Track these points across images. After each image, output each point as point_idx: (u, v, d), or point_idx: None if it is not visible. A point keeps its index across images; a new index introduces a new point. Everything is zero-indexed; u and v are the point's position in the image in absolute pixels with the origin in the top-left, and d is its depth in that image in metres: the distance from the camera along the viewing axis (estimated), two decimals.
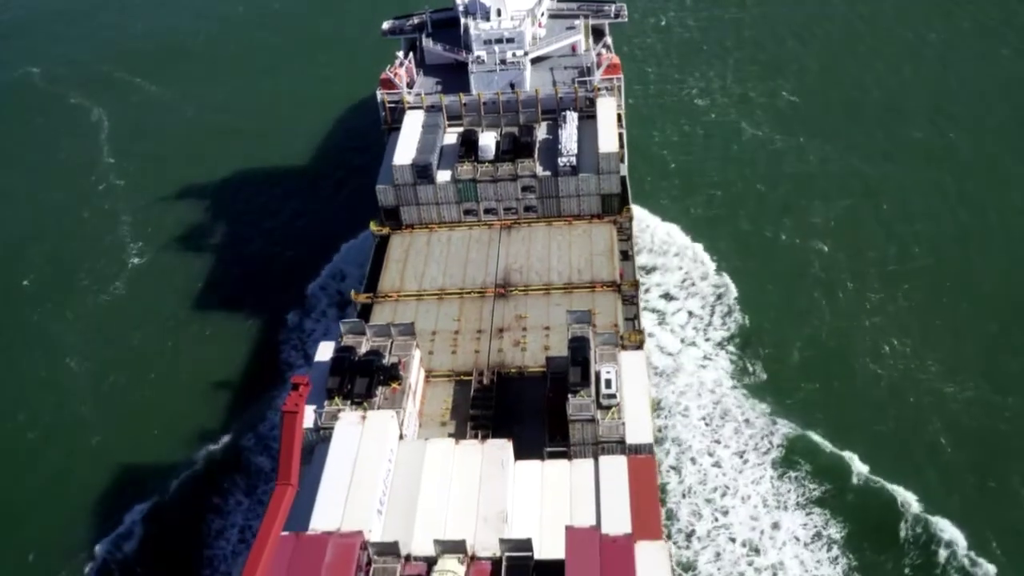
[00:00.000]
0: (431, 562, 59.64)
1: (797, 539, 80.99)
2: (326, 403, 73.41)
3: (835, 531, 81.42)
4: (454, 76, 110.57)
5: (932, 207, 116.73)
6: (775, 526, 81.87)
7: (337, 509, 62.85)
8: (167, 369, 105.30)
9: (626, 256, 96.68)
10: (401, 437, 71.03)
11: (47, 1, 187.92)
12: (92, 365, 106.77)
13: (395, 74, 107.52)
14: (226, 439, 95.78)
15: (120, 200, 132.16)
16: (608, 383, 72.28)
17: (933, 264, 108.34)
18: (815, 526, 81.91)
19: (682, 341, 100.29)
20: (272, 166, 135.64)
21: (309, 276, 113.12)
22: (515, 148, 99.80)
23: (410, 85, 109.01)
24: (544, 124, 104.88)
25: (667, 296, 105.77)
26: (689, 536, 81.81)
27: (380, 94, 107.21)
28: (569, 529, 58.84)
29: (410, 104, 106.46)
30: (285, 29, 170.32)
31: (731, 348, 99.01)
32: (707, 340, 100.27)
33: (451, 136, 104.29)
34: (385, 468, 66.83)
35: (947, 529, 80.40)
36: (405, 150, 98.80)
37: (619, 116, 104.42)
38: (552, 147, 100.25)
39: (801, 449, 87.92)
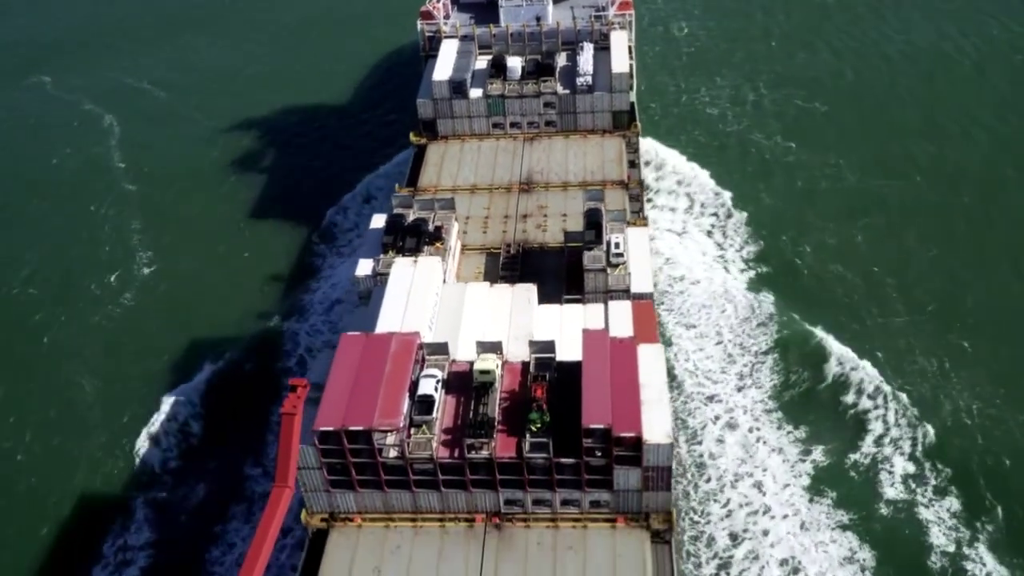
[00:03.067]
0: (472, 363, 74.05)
1: (827, 553, 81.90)
2: (381, 256, 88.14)
3: (867, 554, 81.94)
4: (484, 14, 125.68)
5: (950, 225, 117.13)
6: (812, 546, 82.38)
7: (397, 318, 77.59)
8: (180, 374, 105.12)
9: (633, 164, 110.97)
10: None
11: (55, 9, 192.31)
12: (100, 380, 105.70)
13: (434, 7, 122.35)
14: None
15: (131, 205, 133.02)
16: (617, 245, 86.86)
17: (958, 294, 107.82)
18: (851, 548, 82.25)
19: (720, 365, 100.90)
20: (296, 140, 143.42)
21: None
22: (539, 70, 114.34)
23: (446, 18, 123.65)
24: (564, 54, 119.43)
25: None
26: (727, 562, 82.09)
27: (420, 24, 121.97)
28: (585, 331, 73.43)
29: (446, 34, 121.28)
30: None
31: (763, 373, 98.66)
32: (741, 350, 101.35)
33: (482, 62, 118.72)
34: (433, 300, 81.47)
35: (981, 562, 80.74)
36: (443, 69, 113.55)
37: (630, 48, 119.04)
38: (571, 72, 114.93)
39: (830, 476, 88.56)
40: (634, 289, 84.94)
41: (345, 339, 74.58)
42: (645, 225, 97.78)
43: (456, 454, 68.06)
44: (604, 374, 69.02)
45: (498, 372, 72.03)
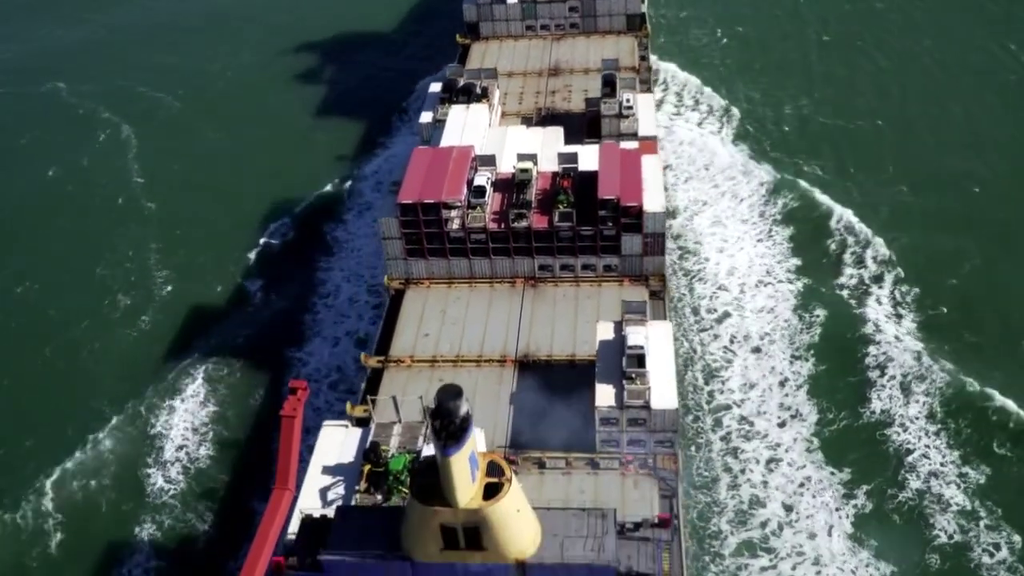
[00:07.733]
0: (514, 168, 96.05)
1: None
2: (439, 107, 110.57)
3: None
4: None
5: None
6: None
7: (456, 139, 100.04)
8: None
9: (643, 58, 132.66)
10: None
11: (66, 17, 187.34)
12: (109, 400, 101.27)
13: None
14: None
15: (150, 223, 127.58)
16: (628, 100, 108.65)
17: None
18: None
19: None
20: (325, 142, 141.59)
21: None
22: None
23: None
24: None
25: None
26: None
27: None
28: (600, 144, 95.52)
29: None
30: None
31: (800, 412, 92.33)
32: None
33: None
34: (483, 132, 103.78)
35: None
36: None
37: None
38: None
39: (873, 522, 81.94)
40: (641, 132, 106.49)
41: (416, 151, 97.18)
42: (651, 93, 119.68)
43: (502, 227, 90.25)
44: (615, 168, 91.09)
45: (534, 173, 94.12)
